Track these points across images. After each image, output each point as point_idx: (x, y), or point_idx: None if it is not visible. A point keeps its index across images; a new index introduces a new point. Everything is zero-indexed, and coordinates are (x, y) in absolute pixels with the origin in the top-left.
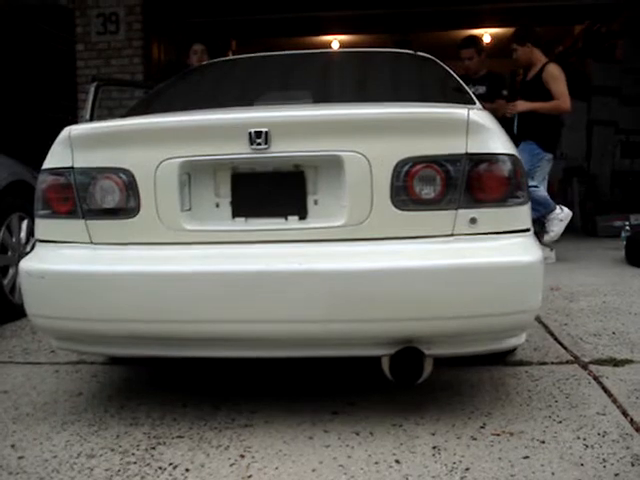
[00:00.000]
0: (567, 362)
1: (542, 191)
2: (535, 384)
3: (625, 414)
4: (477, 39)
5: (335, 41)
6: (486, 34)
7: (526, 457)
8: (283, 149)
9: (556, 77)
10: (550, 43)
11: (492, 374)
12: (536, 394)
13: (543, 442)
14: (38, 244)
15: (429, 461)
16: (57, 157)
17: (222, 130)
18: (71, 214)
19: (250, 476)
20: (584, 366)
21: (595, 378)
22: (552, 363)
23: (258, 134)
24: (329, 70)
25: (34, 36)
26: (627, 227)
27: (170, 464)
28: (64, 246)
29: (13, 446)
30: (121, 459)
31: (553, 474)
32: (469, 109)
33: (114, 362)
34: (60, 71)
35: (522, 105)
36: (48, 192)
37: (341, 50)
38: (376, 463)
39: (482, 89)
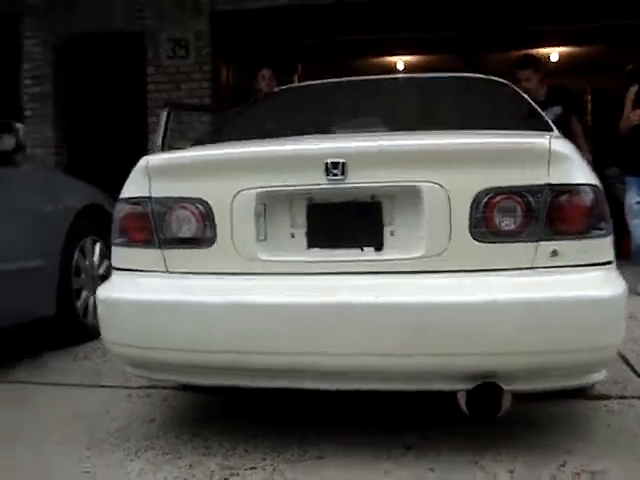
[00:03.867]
0: None
1: None
2: (615, 419)
3: None
4: (533, 58)
5: (400, 62)
6: (554, 52)
7: None
8: (359, 180)
9: None
10: (620, 63)
11: (570, 408)
12: (617, 430)
13: None
14: (114, 272)
15: None
16: (135, 186)
17: (298, 160)
18: (148, 243)
19: None
20: None
21: None
22: (632, 397)
23: (335, 165)
24: (401, 96)
25: (106, 63)
26: None
27: None
28: (140, 275)
29: (88, 473)
30: None
31: None
32: (550, 137)
33: (185, 388)
34: (131, 96)
35: None
36: (125, 221)
37: (413, 75)
38: None
39: (558, 109)
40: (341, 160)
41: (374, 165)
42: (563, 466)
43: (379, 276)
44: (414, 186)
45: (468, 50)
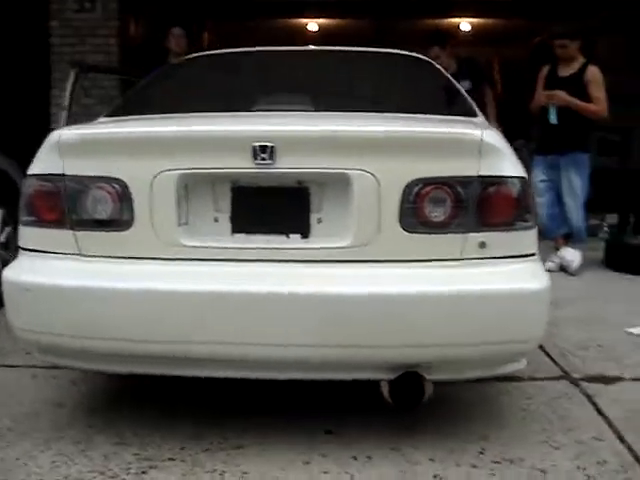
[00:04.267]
0: (558, 378)
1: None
2: (528, 403)
3: (622, 440)
4: (439, 34)
5: (312, 24)
6: (465, 23)
7: None
8: (288, 165)
9: (599, 81)
10: (526, 36)
11: (484, 391)
12: (530, 414)
13: (543, 472)
14: (22, 253)
15: None
16: (45, 162)
17: (224, 142)
18: (59, 224)
19: None
20: (575, 383)
21: (588, 397)
22: (543, 379)
23: (263, 149)
24: (327, 71)
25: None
26: (605, 228)
27: None
28: (51, 257)
29: None
30: None
31: None
32: (482, 129)
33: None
34: (32, 51)
35: (564, 97)
36: (35, 198)
37: (338, 48)
38: None
39: (467, 84)
40: (269, 144)
41: (304, 150)
42: (482, 453)
43: (305, 265)
44: (344, 173)
45: (380, 16)
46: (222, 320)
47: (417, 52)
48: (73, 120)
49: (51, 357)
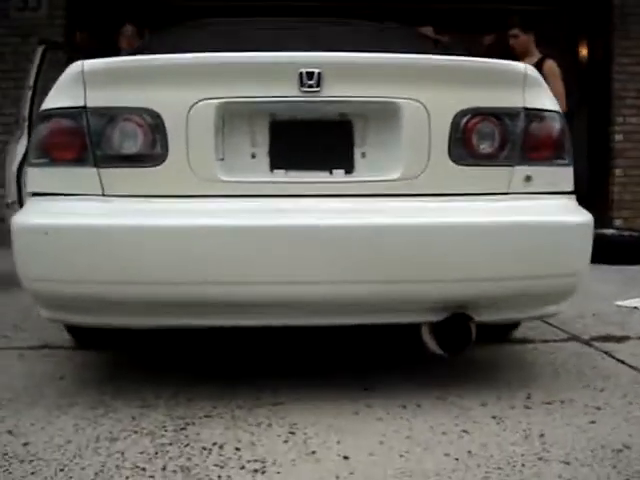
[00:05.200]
0: (567, 340)
1: None
2: (553, 358)
3: None
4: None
5: None
6: None
7: (592, 422)
8: (334, 93)
9: (556, 75)
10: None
11: (505, 351)
12: (561, 367)
13: (599, 408)
14: (32, 199)
15: (498, 429)
16: (64, 95)
17: (269, 69)
18: (80, 161)
19: (314, 452)
20: (587, 343)
21: (606, 353)
22: (554, 341)
23: (310, 75)
24: (343, 38)
25: None
26: None
27: (214, 444)
28: (69, 199)
29: (10, 432)
30: (152, 441)
31: (630, 435)
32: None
33: (83, 347)
34: None
35: None
36: (51, 136)
37: (343, 20)
38: (444, 433)
39: None
40: (317, 70)
41: (352, 78)
42: (529, 398)
43: (350, 199)
44: (394, 102)
45: None
46: (266, 257)
47: None
48: (39, 100)
49: (67, 314)
